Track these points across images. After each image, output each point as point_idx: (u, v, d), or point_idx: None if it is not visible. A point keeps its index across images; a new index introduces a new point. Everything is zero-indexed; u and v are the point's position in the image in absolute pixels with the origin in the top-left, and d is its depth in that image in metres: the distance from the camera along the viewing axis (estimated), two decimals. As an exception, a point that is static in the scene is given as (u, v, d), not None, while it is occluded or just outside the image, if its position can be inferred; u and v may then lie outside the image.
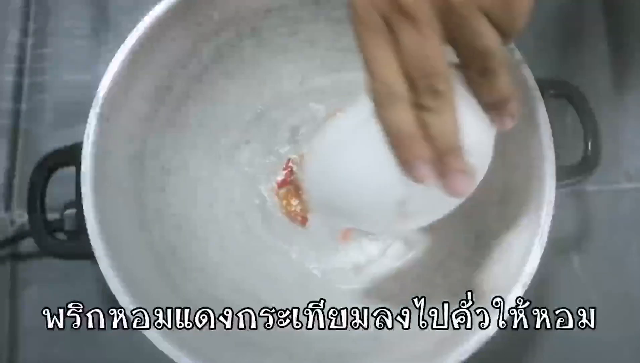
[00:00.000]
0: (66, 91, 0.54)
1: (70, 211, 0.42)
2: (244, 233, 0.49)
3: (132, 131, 0.44)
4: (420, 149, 0.30)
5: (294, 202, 0.49)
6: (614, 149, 0.54)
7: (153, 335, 0.38)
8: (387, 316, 0.46)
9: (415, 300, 0.46)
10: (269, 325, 0.46)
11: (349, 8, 0.30)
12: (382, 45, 0.29)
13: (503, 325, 0.39)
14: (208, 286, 0.46)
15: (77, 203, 0.40)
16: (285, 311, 0.47)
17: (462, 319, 0.41)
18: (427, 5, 0.28)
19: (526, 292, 0.39)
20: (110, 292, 0.39)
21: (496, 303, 0.39)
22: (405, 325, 0.44)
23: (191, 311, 0.43)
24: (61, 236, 0.43)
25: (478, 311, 0.40)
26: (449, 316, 0.42)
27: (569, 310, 0.50)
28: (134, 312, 0.38)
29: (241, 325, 0.45)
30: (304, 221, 0.49)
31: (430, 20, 0.28)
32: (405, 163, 0.31)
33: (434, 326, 0.43)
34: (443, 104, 0.29)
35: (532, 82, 0.42)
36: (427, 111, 0.29)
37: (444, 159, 0.30)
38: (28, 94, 0.54)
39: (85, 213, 0.40)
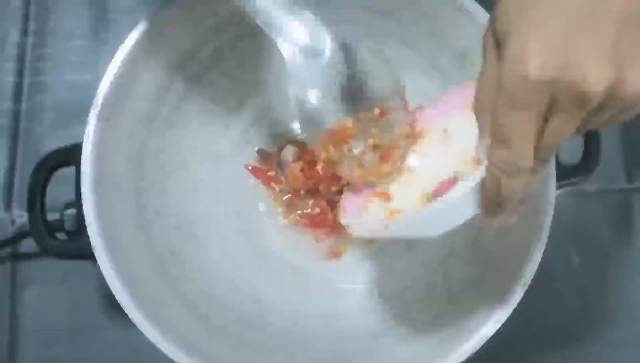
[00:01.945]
0: (66, 91, 0.54)
1: (70, 211, 0.42)
2: (243, 233, 0.49)
3: (132, 131, 0.44)
4: (514, 206, 0.32)
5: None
6: (614, 149, 0.54)
7: (153, 335, 0.38)
8: (387, 316, 0.46)
9: (416, 300, 0.46)
10: (268, 325, 0.46)
11: (510, 79, 0.28)
12: (534, 123, 0.28)
13: (502, 325, 0.39)
14: (207, 286, 0.46)
15: (77, 203, 0.40)
16: (284, 311, 0.47)
17: (462, 319, 0.41)
18: (603, 97, 0.27)
19: (526, 292, 0.39)
20: (110, 292, 0.39)
21: (496, 303, 0.39)
22: (406, 326, 0.44)
23: (191, 311, 0.43)
24: (61, 236, 0.43)
25: (478, 311, 0.40)
26: (449, 316, 0.42)
27: (568, 309, 0.50)
28: (133, 312, 0.38)
29: (241, 325, 0.45)
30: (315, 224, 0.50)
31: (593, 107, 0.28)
32: (495, 214, 0.33)
33: (434, 326, 0.43)
34: (546, 167, 0.32)
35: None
36: (532, 175, 0.31)
37: (520, 205, 0.33)
38: (28, 94, 0.54)
39: (85, 213, 0.40)
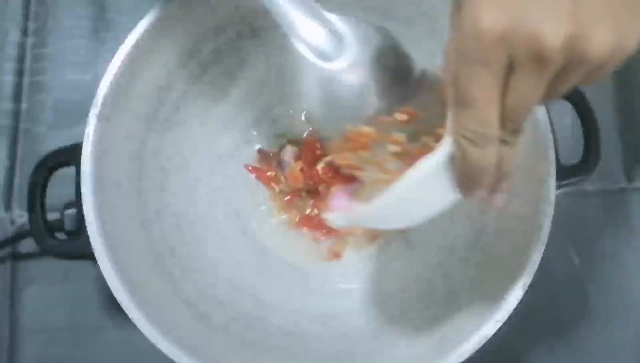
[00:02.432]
0: (66, 91, 0.54)
1: (70, 211, 0.42)
2: (243, 233, 0.49)
3: (132, 131, 0.45)
4: (489, 179, 0.31)
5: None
6: (614, 149, 0.54)
7: (153, 335, 0.38)
8: (387, 316, 0.46)
9: (416, 300, 0.46)
10: (268, 325, 0.46)
11: (466, 38, 0.27)
12: (494, 85, 0.27)
13: (503, 325, 0.39)
14: (207, 286, 0.46)
15: (77, 203, 0.40)
16: (284, 311, 0.47)
17: (462, 319, 0.41)
18: (563, 54, 0.26)
19: (526, 292, 0.39)
20: (110, 292, 0.39)
21: (496, 303, 0.39)
22: (406, 325, 0.44)
23: (191, 310, 0.43)
24: (61, 236, 0.43)
25: (478, 311, 0.40)
26: (449, 316, 0.42)
27: (568, 309, 0.50)
28: (133, 312, 0.38)
29: (241, 325, 0.45)
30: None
31: (555, 68, 0.27)
32: (471, 190, 0.32)
33: (434, 326, 0.43)
34: (518, 138, 0.30)
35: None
36: (503, 145, 0.30)
37: (499, 181, 0.31)
38: (28, 94, 0.54)
39: (85, 213, 0.40)
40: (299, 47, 0.37)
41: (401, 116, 0.37)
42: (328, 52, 0.37)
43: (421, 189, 0.33)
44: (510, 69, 0.27)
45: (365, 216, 0.36)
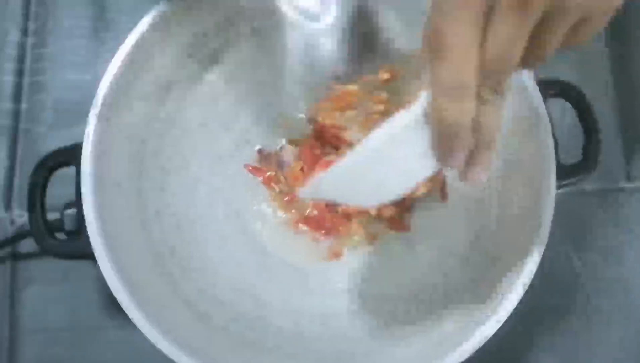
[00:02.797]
0: (66, 91, 0.54)
1: (70, 211, 0.42)
2: (243, 233, 0.49)
3: (132, 131, 0.45)
4: (467, 140, 0.29)
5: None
6: (614, 149, 0.54)
7: (153, 335, 0.38)
8: (387, 316, 0.46)
9: (416, 300, 0.46)
10: (268, 325, 0.46)
11: None
12: (472, 32, 0.26)
13: (503, 325, 0.39)
14: (207, 286, 0.46)
15: (77, 203, 0.40)
16: (284, 311, 0.47)
17: (462, 319, 0.41)
18: None
19: (526, 292, 0.39)
20: (110, 292, 0.39)
21: (496, 303, 0.39)
22: (406, 325, 0.44)
23: (191, 310, 0.43)
24: (61, 236, 0.43)
25: (478, 311, 0.40)
26: (449, 316, 0.42)
27: (568, 309, 0.50)
28: (133, 312, 0.38)
29: (241, 325, 0.45)
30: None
31: (537, 15, 0.26)
32: (448, 152, 0.30)
33: (435, 326, 0.43)
34: (500, 99, 0.28)
35: (532, 83, 0.42)
36: (482, 104, 0.28)
37: (479, 150, 0.30)
38: (28, 94, 0.54)
39: (85, 213, 0.40)
40: (284, 7, 0.38)
41: (383, 75, 0.39)
42: (311, 12, 0.39)
43: (392, 151, 0.30)
44: (490, 12, 0.26)
45: (333, 183, 0.33)
